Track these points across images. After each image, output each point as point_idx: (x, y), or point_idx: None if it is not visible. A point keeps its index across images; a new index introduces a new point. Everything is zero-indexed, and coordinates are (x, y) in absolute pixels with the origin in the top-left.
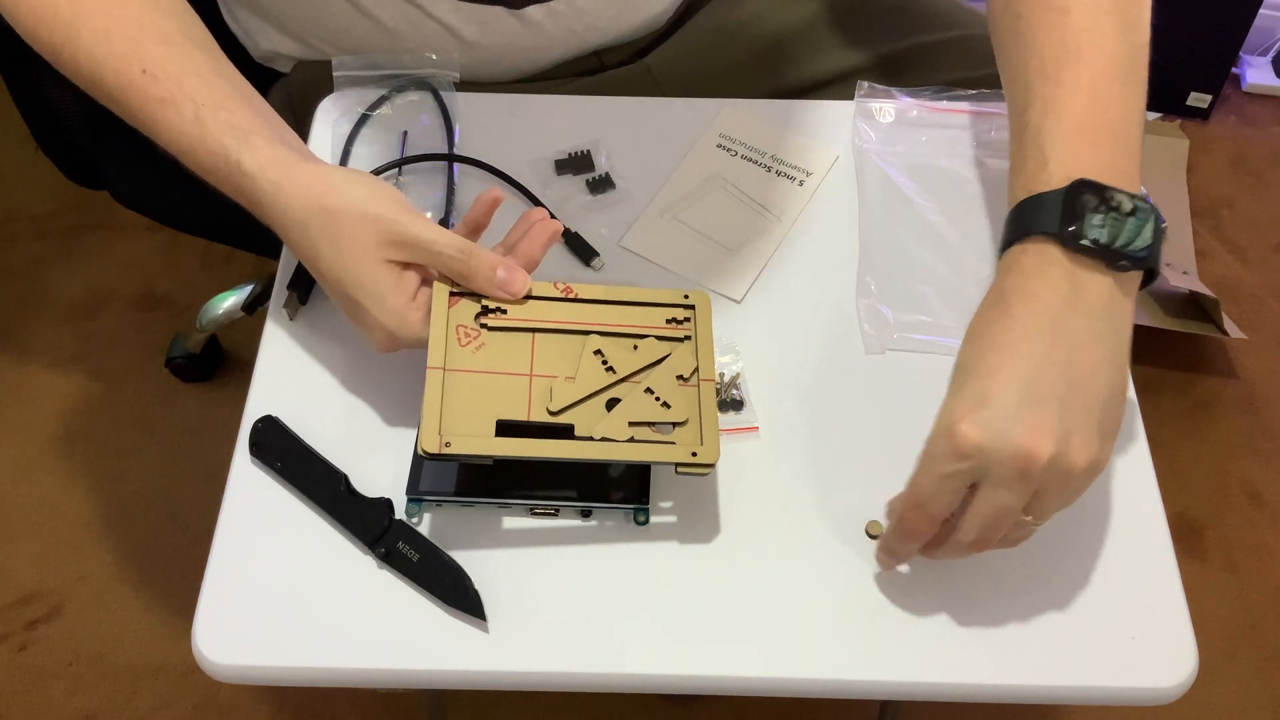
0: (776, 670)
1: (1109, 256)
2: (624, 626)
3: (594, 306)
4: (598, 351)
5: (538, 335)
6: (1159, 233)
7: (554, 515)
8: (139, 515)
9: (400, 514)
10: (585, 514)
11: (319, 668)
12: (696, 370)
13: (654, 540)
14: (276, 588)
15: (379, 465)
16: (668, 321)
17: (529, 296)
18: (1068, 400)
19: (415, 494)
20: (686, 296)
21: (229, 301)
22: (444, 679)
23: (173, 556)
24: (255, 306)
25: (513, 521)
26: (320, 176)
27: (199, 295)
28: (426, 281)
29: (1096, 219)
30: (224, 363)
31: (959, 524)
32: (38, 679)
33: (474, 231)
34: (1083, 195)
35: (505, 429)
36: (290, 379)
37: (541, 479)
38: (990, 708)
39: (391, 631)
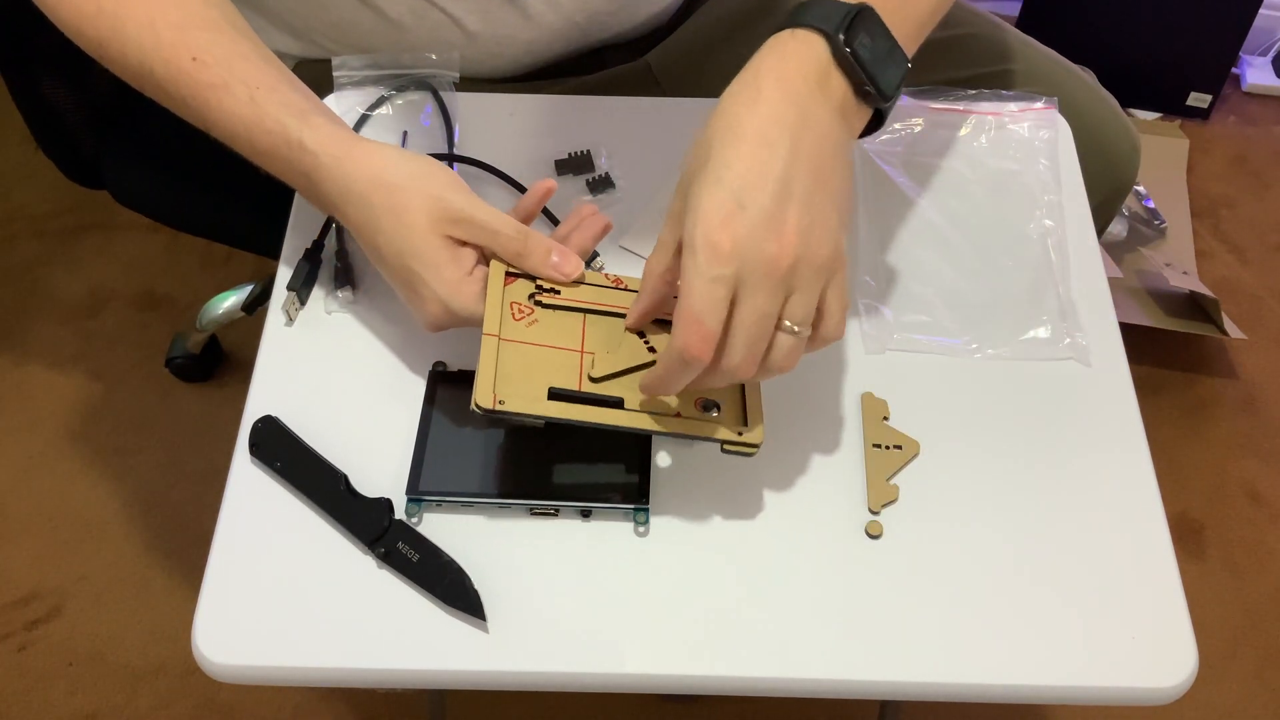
0: (776, 670)
1: (861, 76)
2: (624, 626)
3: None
4: (642, 334)
5: (588, 317)
6: (901, 85)
7: (554, 515)
8: (139, 515)
9: (400, 514)
10: (585, 514)
11: (319, 668)
12: None
13: (654, 540)
14: (276, 588)
15: (379, 465)
16: None
17: (580, 282)
18: (812, 194)
19: (415, 494)
20: None
21: (229, 301)
22: (444, 679)
23: (173, 556)
24: (255, 306)
25: (513, 521)
26: (381, 153)
27: (199, 295)
28: (481, 261)
29: (867, 40)
30: (224, 363)
31: (725, 347)
32: (38, 679)
33: (526, 219)
34: (866, 15)
35: (556, 396)
36: (290, 379)
37: (542, 479)
38: (990, 708)
39: (391, 631)
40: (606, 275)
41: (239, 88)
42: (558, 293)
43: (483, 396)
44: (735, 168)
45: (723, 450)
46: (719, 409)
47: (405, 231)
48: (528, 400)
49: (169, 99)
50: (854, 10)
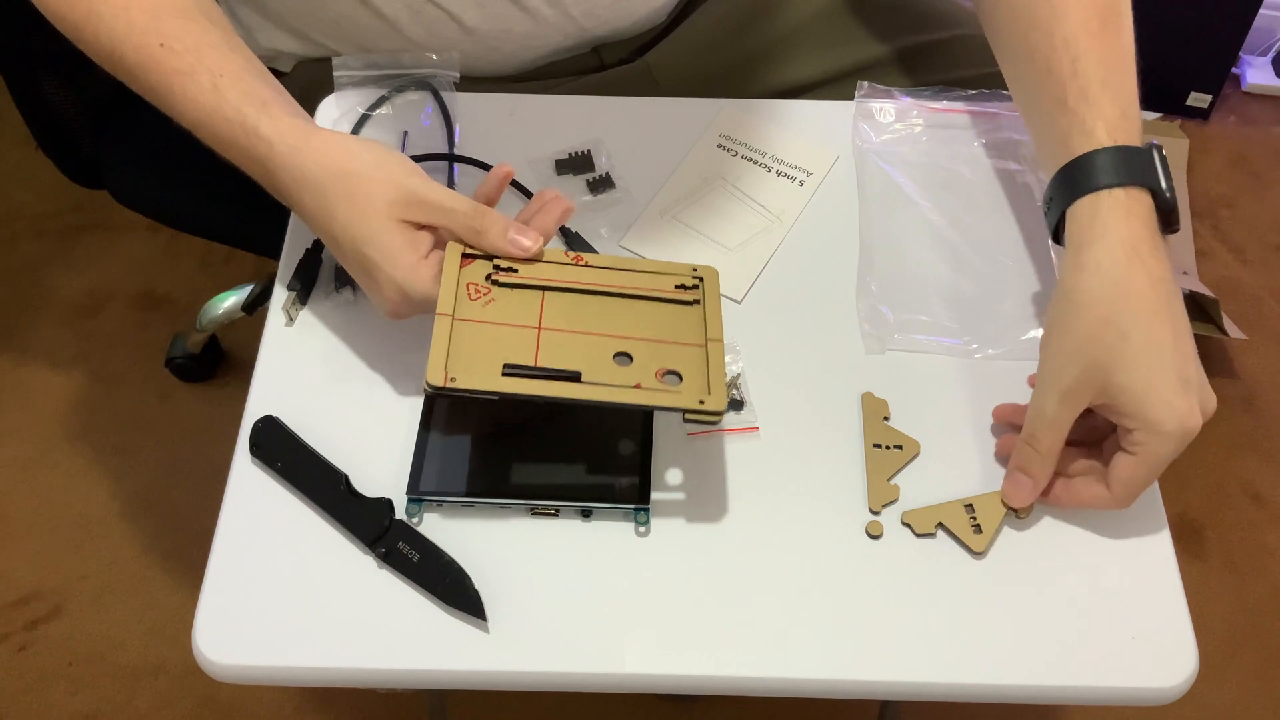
0: (776, 670)
1: (1170, 211)
2: (624, 626)
3: (604, 272)
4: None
5: (547, 294)
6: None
7: (554, 515)
8: (139, 515)
9: (400, 514)
10: (585, 514)
11: (319, 668)
12: (705, 331)
13: (654, 540)
14: (276, 588)
15: (379, 465)
16: (676, 287)
17: (539, 260)
18: (1195, 359)
19: (415, 494)
20: (695, 270)
21: (229, 301)
22: (444, 679)
23: (173, 556)
24: (255, 306)
25: (513, 522)
26: (336, 142)
27: (199, 295)
28: (439, 245)
29: (1165, 172)
30: (224, 363)
31: (1127, 488)
32: (38, 679)
33: (486, 203)
34: (1158, 149)
35: (512, 372)
36: (290, 379)
37: (542, 479)
38: (990, 708)
39: (391, 631)
40: (566, 253)
41: (203, 75)
42: (516, 271)
43: (434, 374)
44: (1166, 346)
45: (684, 419)
46: (680, 378)
47: (360, 218)
48: (481, 377)
49: (139, 85)
50: (1156, 151)
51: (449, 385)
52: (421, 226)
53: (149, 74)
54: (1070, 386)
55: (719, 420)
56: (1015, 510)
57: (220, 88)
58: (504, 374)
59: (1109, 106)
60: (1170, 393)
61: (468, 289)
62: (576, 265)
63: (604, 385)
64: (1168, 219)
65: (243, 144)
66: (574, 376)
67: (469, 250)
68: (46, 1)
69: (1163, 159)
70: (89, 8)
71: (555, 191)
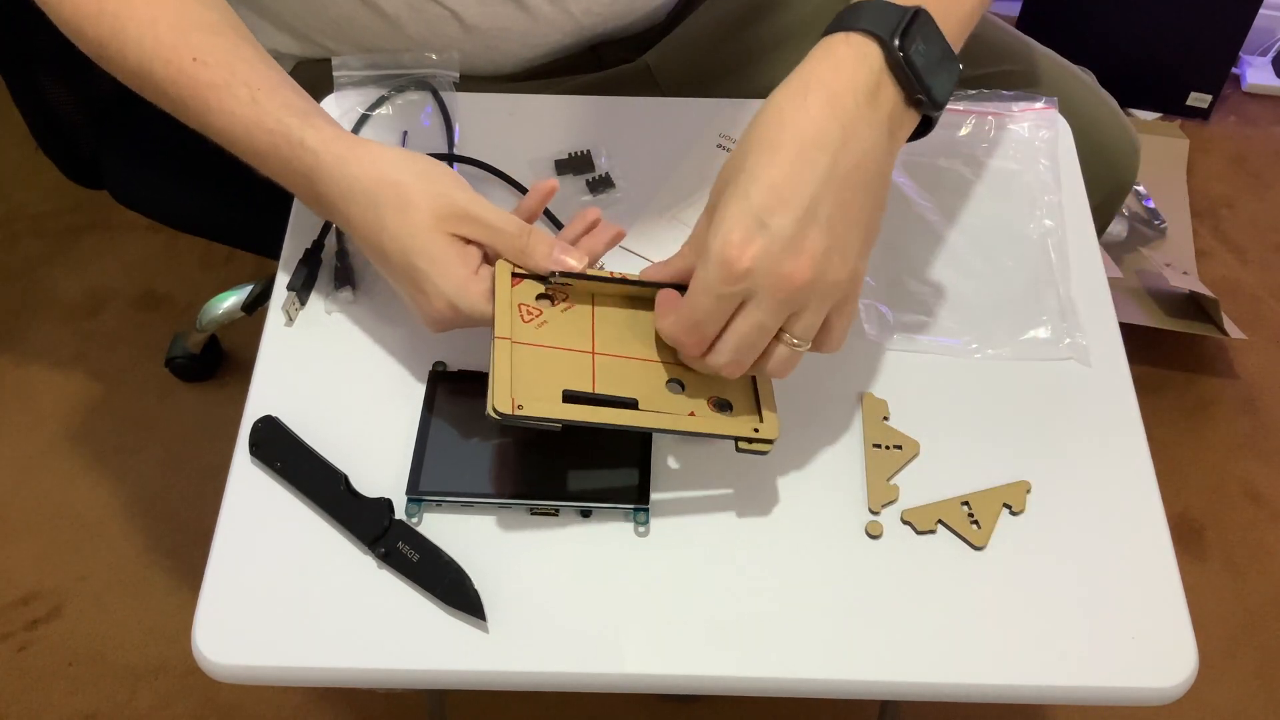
0: (776, 670)
1: (914, 85)
2: (624, 627)
3: (648, 289)
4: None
5: (598, 316)
6: (952, 91)
7: (554, 515)
8: (139, 515)
9: (400, 514)
10: (585, 514)
11: (319, 668)
12: None
13: (653, 540)
14: (276, 588)
15: (379, 465)
16: None
17: (586, 276)
18: (838, 218)
19: (415, 494)
20: None
21: (229, 301)
22: (444, 679)
23: (173, 556)
24: (255, 306)
25: (513, 521)
26: (383, 152)
27: (199, 295)
28: (486, 261)
29: (921, 45)
30: (224, 363)
31: (715, 345)
32: (38, 679)
33: (528, 218)
34: (922, 20)
35: (570, 399)
36: (290, 379)
37: (542, 479)
38: (990, 708)
39: (391, 631)
40: (613, 274)
41: (240, 89)
42: (570, 285)
43: (501, 402)
44: (764, 183)
45: (737, 449)
46: (731, 408)
47: (411, 229)
48: (543, 404)
49: (167, 100)
50: (909, 14)
51: (516, 413)
52: (469, 241)
53: (180, 89)
54: (709, 204)
55: (770, 450)
56: (1009, 507)
57: (259, 100)
58: (564, 400)
59: None
60: (733, 221)
61: (520, 310)
62: (624, 283)
63: (662, 413)
64: (907, 81)
65: (285, 155)
66: (631, 404)
67: (518, 270)
68: (67, 19)
69: (925, 22)
70: (114, 25)
71: (598, 212)
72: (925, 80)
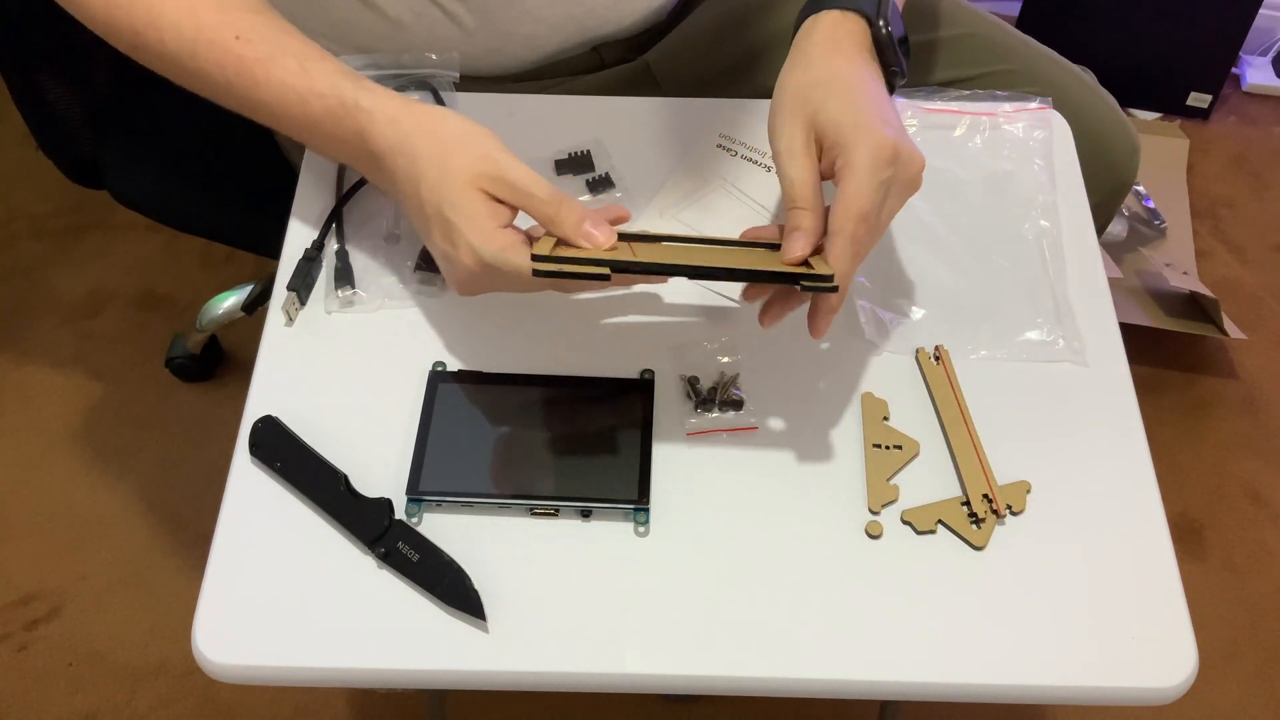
0: (776, 670)
1: (893, 60)
2: (624, 626)
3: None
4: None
5: (635, 247)
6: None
7: (554, 515)
8: (139, 515)
9: (400, 514)
10: (585, 514)
11: (319, 668)
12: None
13: (653, 540)
14: (276, 588)
15: (379, 465)
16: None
17: (657, 237)
18: (900, 123)
19: (415, 494)
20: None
21: (229, 301)
22: (444, 679)
23: (173, 556)
24: (255, 306)
25: (513, 521)
26: (432, 111)
27: (199, 295)
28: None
29: (889, 27)
30: (224, 363)
31: (847, 213)
32: (38, 679)
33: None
34: (888, 3)
35: (623, 238)
36: (290, 379)
37: (541, 479)
38: (990, 708)
39: (391, 631)
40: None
41: (288, 60)
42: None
43: (541, 245)
44: (867, 95)
45: (801, 289)
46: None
47: (447, 181)
48: (587, 254)
49: (210, 82)
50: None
51: (556, 253)
52: (502, 202)
53: (225, 68)
54: (791, 143)
55: (833, 286)
56: (1010, 507)
57: (308, 69)
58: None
59: None
60: (872, 119)
61: (558, 247)
62: (709, 242)
63: (719, 248)
64: (884, 55)
65: (339, 116)
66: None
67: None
68: (96, 11)
69: (890, 6)
70: (149, 13)
71: (629, 214)
72: (899, 56)
